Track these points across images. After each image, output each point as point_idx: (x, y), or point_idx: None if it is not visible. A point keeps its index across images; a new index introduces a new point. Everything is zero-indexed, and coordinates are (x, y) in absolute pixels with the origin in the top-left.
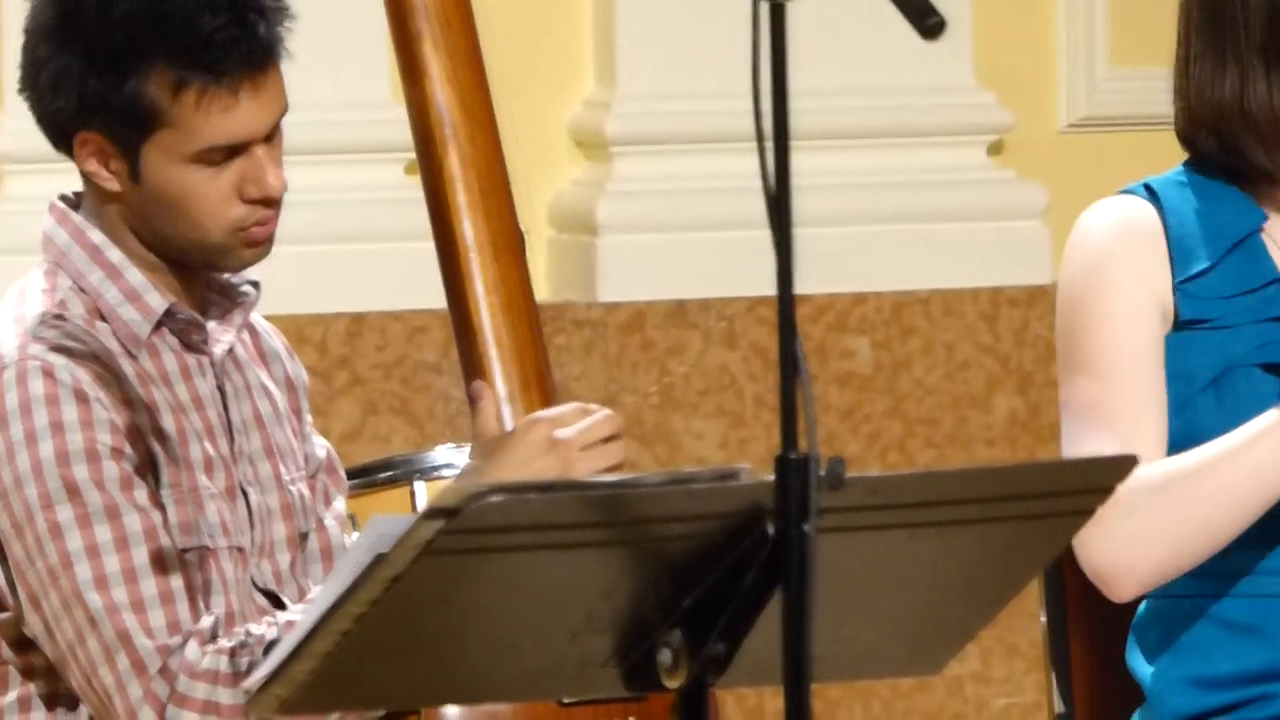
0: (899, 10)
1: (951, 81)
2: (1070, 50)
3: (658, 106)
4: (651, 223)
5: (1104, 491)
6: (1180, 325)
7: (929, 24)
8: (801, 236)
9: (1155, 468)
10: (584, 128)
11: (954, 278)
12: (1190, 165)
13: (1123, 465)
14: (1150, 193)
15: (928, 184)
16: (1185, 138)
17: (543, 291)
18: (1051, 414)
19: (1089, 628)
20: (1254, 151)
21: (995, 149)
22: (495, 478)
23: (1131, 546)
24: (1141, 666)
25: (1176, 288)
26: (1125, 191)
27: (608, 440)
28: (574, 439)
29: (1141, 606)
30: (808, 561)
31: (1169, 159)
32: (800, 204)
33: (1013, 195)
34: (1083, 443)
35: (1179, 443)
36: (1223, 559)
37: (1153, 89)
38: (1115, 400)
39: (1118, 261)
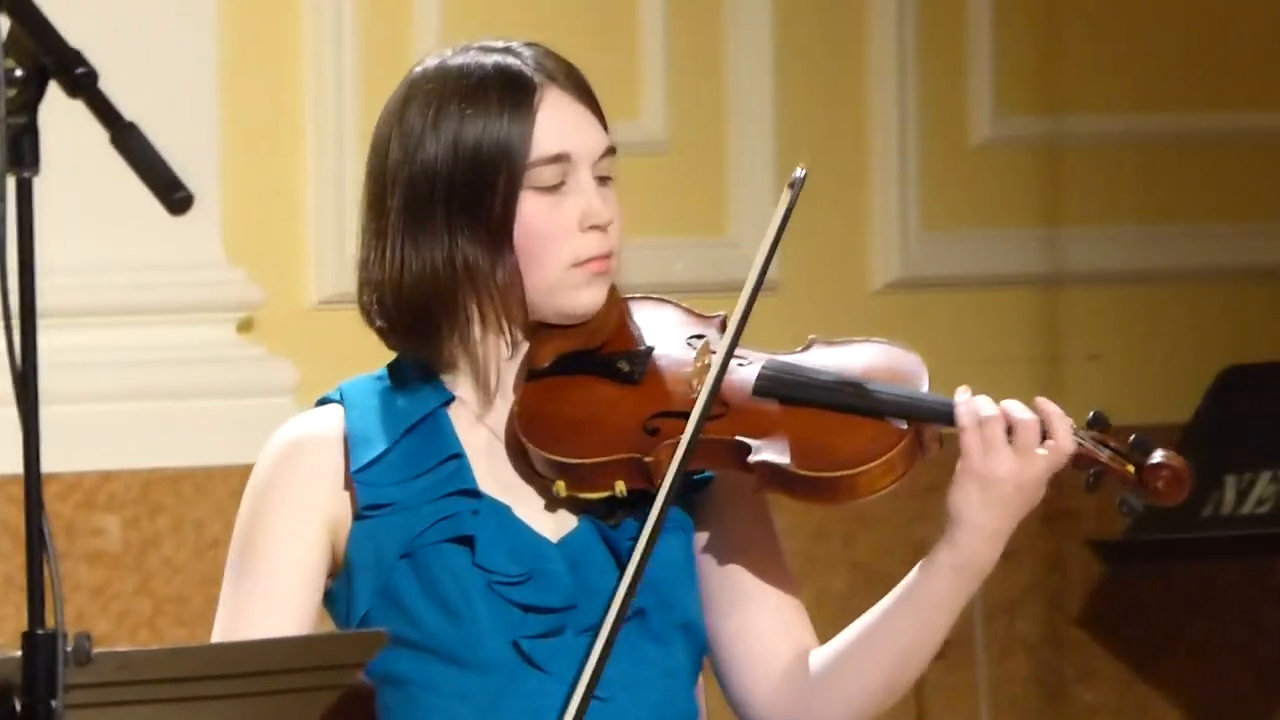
0: (146, 184)
1: (200, 257)
2: (319, 227)
3: None
4: None
5: (354, 667)
6: (362, 514)
7: (176, 199)
8: (49, 414)
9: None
10: None
11: (204, 455)
12: (397, 360)
13: (372, 641)
14: (341, 395)
15: (176, 361)
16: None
17: None
18: None
19: None
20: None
21: (245, 326)
22: None
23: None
24: None
25: (353, 479)
26: (323, 400)
27: None
28: None
29: None
30: None
31: None
32: (47, 382)
33: (262, 372)
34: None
35: (387, 619)
36: None
37: None
38: (272, 623)
39: (282, 491)
